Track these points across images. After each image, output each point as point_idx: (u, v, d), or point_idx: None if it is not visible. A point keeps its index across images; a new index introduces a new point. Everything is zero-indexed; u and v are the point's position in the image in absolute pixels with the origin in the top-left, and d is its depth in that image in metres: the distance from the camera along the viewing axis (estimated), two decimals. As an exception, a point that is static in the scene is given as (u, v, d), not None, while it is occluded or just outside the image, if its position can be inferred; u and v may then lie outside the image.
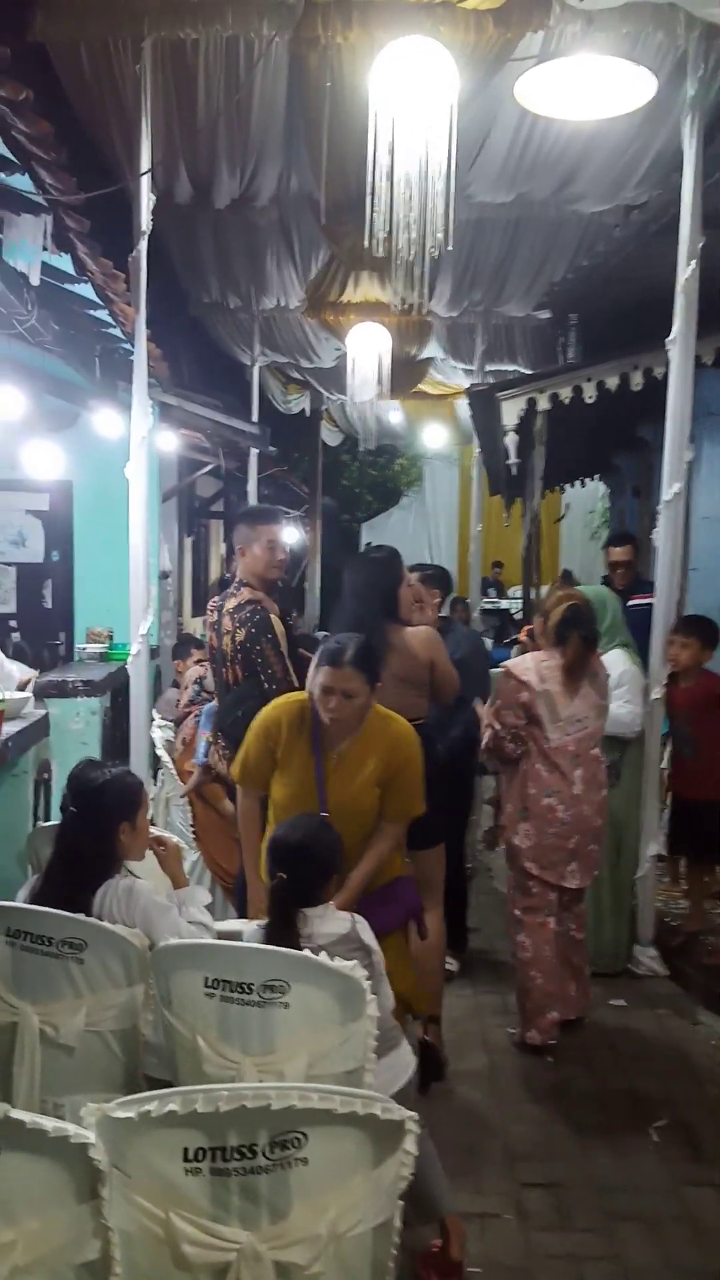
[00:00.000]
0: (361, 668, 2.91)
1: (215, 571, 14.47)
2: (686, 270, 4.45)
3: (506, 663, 3.96)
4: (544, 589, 10.16)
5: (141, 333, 5.01)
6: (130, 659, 5.00)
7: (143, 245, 4.98)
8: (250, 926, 2.58)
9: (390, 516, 17.96)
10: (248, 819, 3.19)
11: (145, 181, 4.90)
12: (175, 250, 8.00)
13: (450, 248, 4.64)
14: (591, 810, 3.81)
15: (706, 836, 4.44)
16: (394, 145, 4.54)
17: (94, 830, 2.59)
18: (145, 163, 4.91)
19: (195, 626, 12.24)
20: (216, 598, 4.23)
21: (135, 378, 5.00)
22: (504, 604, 14.76)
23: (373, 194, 4.61)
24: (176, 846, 2.88)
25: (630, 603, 5.03)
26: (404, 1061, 2.55)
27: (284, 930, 2.41)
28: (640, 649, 4.49)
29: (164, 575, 8.87)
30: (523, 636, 4.78)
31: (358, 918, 2.53)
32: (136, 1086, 2.57)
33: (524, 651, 4.14)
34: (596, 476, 12.50)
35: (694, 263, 4.45)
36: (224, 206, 6.98)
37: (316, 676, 2.93)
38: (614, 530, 12.91)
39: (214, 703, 4.59)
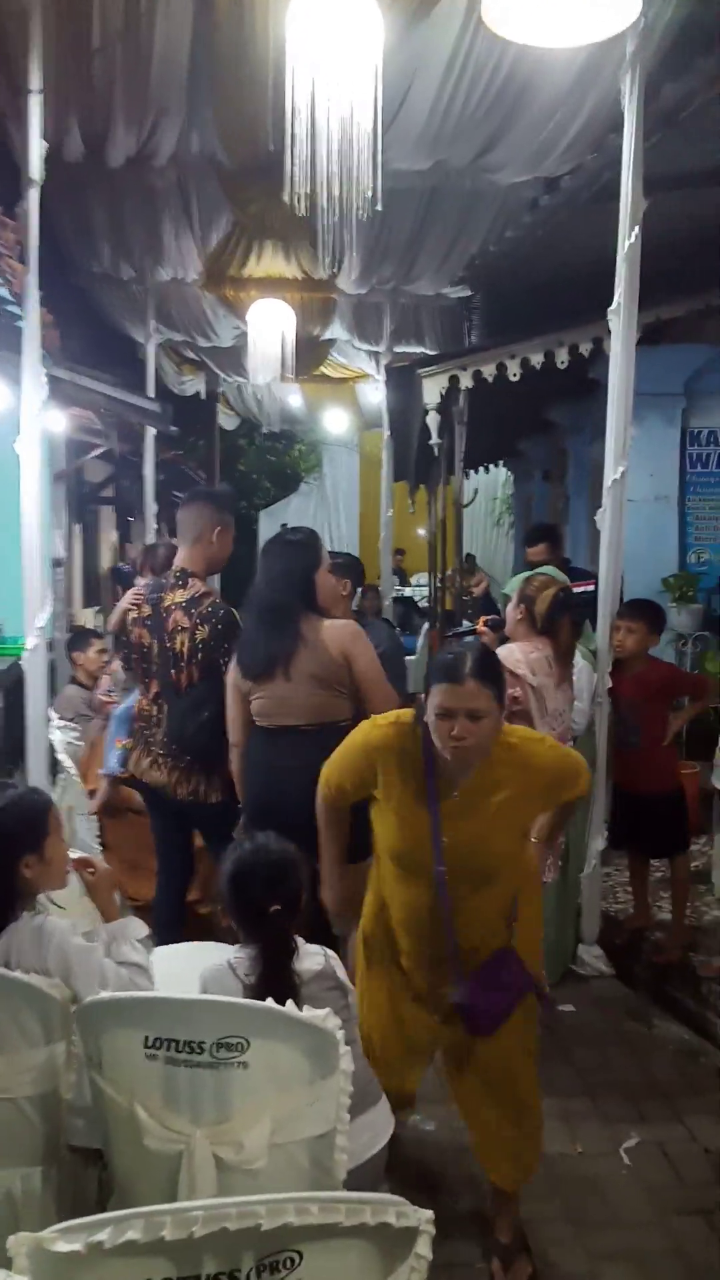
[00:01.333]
0: (487, 680, 2.34)
1: (106, 560, 13.84)
2: (629, 237, 4.21)
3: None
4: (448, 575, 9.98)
5: (33, 292, 4.52)
6: (25, 654, 4.51)
7: (34, 195, 4.50)
8: (211, 967, 2.17)
9: (289, 504, 17.54)
10: (326, 828, 2.74)
11: (35, 121, 4.39)
12: (63, 213, 7.44)
13: (379, 208, 4.30)
14: None
15: (651, 830, 4.23)
16: (314, 95, 4.17)
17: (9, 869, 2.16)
18: (35, 80, 4.39)
19: (86, 618, 11.65)
20: (142, 589, 3.79)
21: (26, 341, 4.51)
22: (407, 592, 14.57)
23: (292, 145, 4.21)
24: (107, 873, 2.46)
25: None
26: (383, 1120, 2.22)
27: (283, 972, 2.04)
28: (583, 637, 4.25)
29: (56, 563, 8.30)
30: (480, 627, 4.50)
31: (329, 952, 2.18)
32: (58, 1159, 2.19)
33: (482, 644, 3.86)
34: (500, 463, 12.40)
35: (636, 229, 4.20)
36: (118, 165, 6.48)
37: (432, 698, 2.35)
38: (518, 515, 12.85)
39: (125, 705, 4.15)
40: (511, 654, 3.57)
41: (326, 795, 2.67)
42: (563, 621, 3.64)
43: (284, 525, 3.68)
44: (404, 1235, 1.41)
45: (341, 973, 2.18)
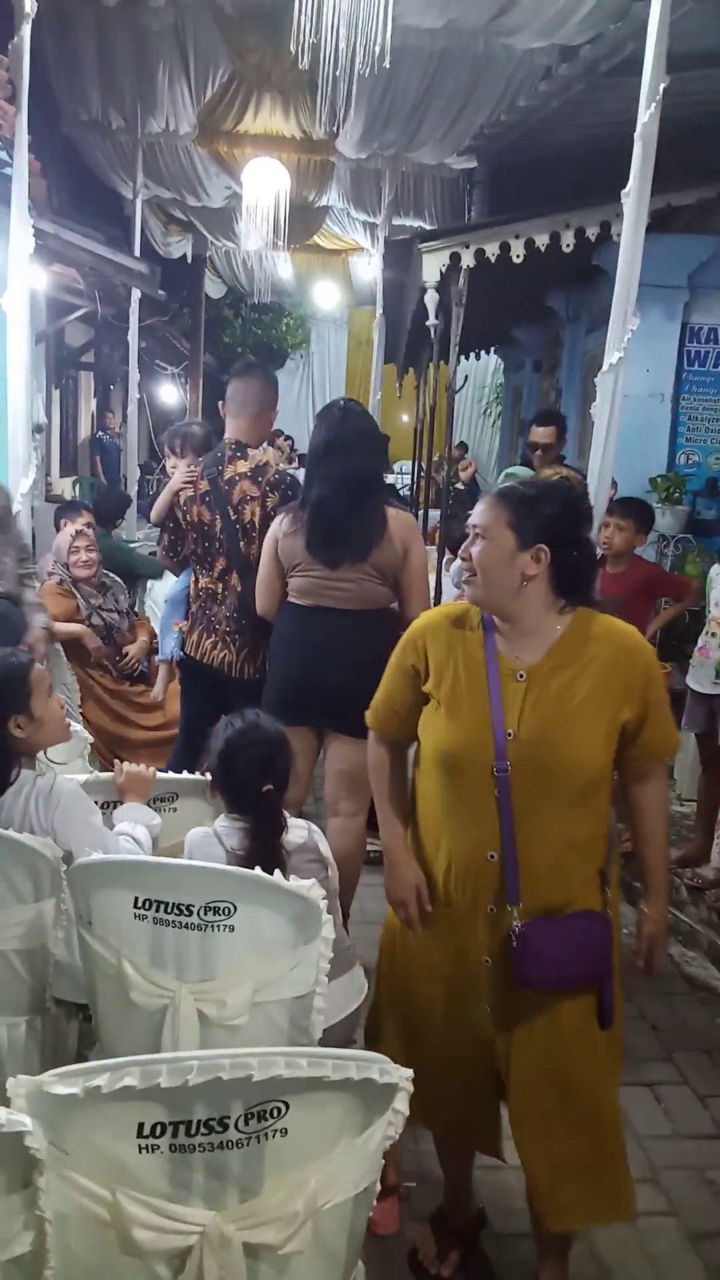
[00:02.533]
0: (505, 502, 1.93)
1: (85, 429, 13.55)
2: (646, 114, 4.02)
3: None
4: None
5: (23, 135, 4.28)
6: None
7: (26, 31, 4.22)
8: (197, 833, 2.23)
9: (273, 380, 17.16)
10: (378, 773, 2.22)
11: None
12: (51, 54, 7.03)
13: (386, 64, 4.09)
14: None
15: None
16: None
17: None
18: None
19: (64, 488, 11.45)
20: (194, 467, 3.69)
21: (15, 189, 4.29)
22: (389, 479, 14.40)
23: (301, -4, 3.98)
24: (136, 776, 2.48)
25: (556, 482, 4.76)
26: (357, 984, 2.31)
27: (272, 844, 2.10)
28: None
29: (38, 429, 8.10)
30: None
31: (313, 826, 2.23)
32: (43, 1010, 2.28)
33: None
34: (492, 349, 12.14)
35: (655, 106, 4.01)
36: (113, 3, 6.09)
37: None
38: (506, 405, 12.67)
39: (179, 587, 4.10)
40: None
41: (375, 721, 2.22)
42: None
43: (338, 399, 3.53)
44: (384, 1091, 1.48)
45: (324, 847, 2.24)
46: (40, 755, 2.44)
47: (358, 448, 3.14)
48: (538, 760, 1.90)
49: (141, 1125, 1.38)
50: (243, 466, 3.58)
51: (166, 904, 1.93)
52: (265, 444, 3.79)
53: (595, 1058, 2.03)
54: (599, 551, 4.15)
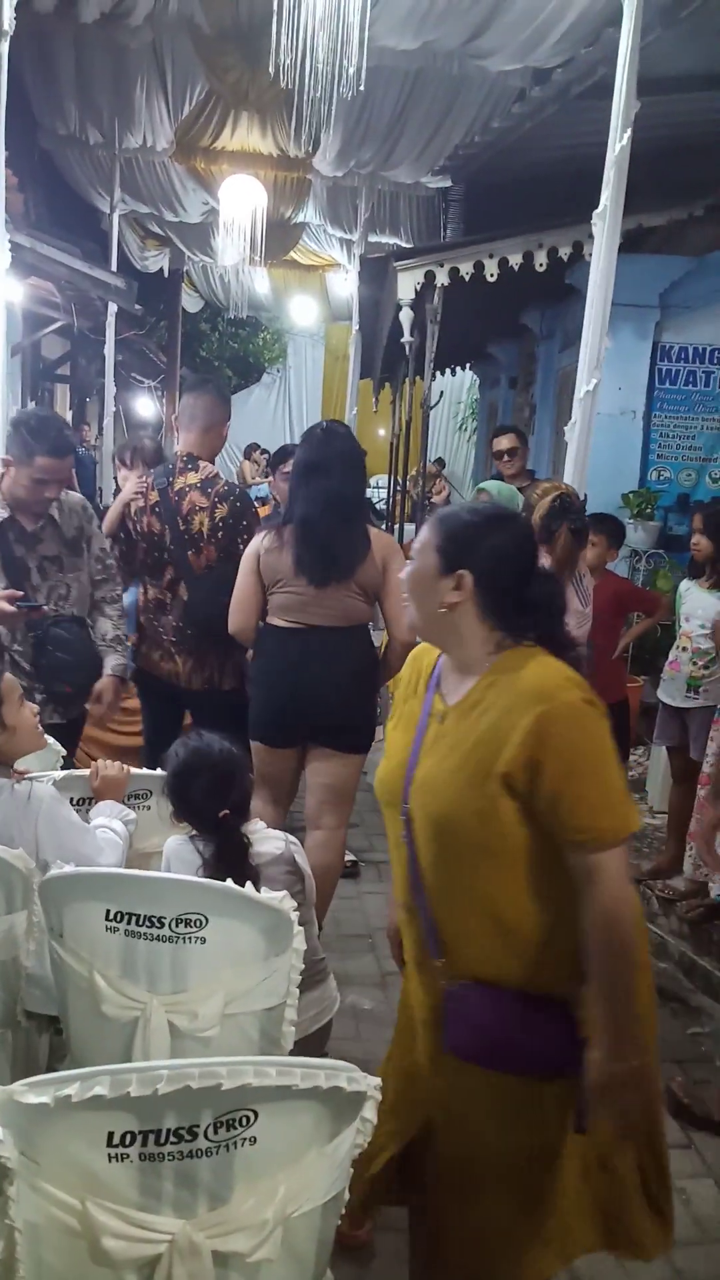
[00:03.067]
0: (437, 528, 1.80)
1: (61, 441, 13.51)
2: (620, 139, 4.10)
3: None
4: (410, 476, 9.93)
5: None
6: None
7: (3, 48, 4.25)
8: (174, 841, 2.25)
9: (250, 394, 17.18)
10: None
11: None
12: (29, 69, 7.06)
13: (361, 87, 4.15)
14: None
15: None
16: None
17: None
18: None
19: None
20: (146, 478, 3.75)
21: (-8, 204, 4.31)
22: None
23: (279, 9, 4.03)
24: (112, 780, 2.51)
25: (528, 498, 4.82)
26: (330, 996, 2.33)
27: (237, 865, 2.11)
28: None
29: (13, 440, 8.09)
30: None
31: (290, 837, 2.25)
32: (14, 1023, 2.27)
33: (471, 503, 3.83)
34: (467, 366, 12.23)
35: (628, 131, 4.10)
36: (91, 20, 6.13)
37: None
38: (482, 421, 12.76)
39: (128, 600, 4.13)
40: None
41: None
42: (560, 529, 3.42)
43: (320, 422, 3.59)
44: (352, 1099, 1.50)
45: (301, 859, 2.26)
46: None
47: (341, 469, 3.19)
48: (425, 808, 1.77)
49: (111, 1134, 1.39)
50: (193, 478, 3.65)
51: (138, 916, 1.94)
52: (240, 458, 3.87)
53: (499, 1196, 1.80)
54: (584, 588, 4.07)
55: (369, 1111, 1.53)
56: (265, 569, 3.26)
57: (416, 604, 1.82)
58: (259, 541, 3.32)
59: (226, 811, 2.19)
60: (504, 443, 5.77)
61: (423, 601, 1.80)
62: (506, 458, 5.75)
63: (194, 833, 2.24)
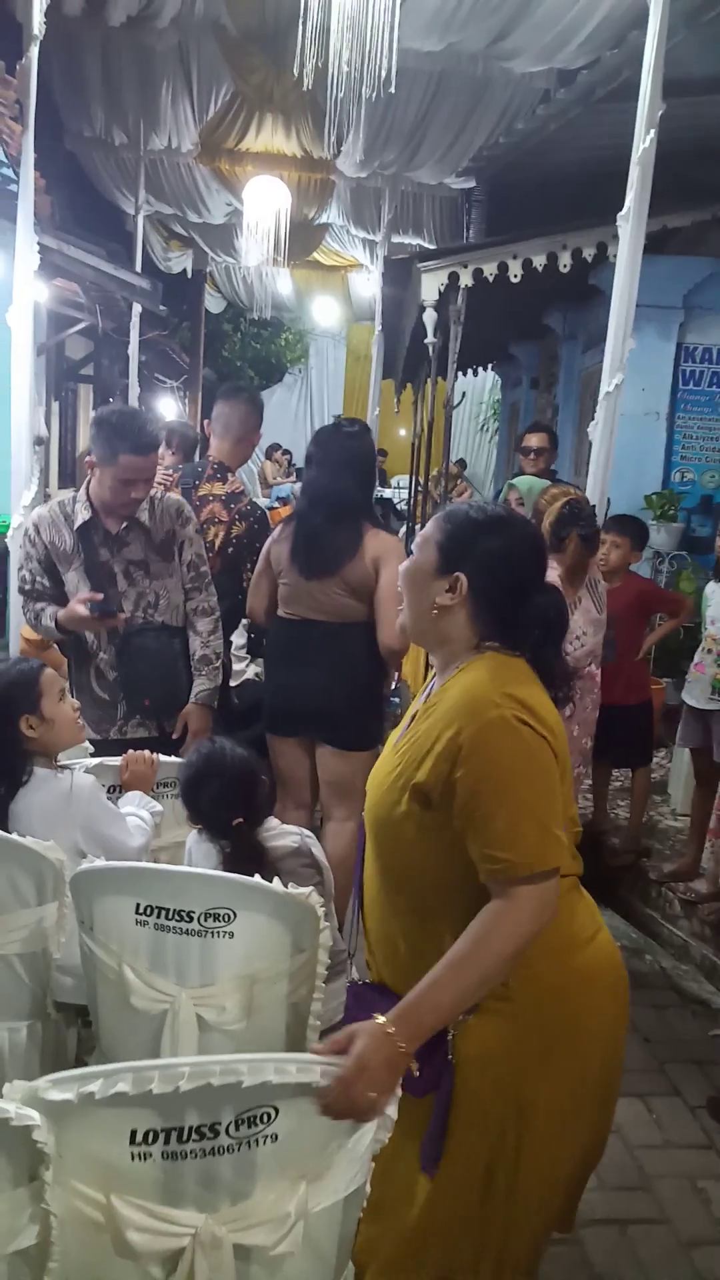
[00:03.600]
0: (446, 523, 1.73)
1: (84, 440, 13.61)
2: (645, 140, 4.10)
3: None
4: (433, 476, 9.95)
5: (29, 154, 4.36)
6: (9, 531, 4.49)
7: (34, 52, 4.29)
8: (194, 834, 2.29)
9: (273, 395, 17.21)
10: None
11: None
12: (56, 72, 7.12)
13: (392, 89, 4.17)
14: (581, 731, 3.60)
15: (621, 741, 4.36)
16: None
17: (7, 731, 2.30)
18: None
19: (63, 499, 11.49)
20: (171, 472, 3.80)
21: (20, 207, 4.36)
22: (387, 493, 14.47)
23: (305, 13, 4.05)
24: (142, 774, 2.60)
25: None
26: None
27: (251, 865, 2.13)
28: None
29: (39, 442, 8.16)
30: None
31: (306, 832, 2.27)
32: (44, 1015, 2.30)
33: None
34: (489, 366, 12.23)
35: (652, 132, 4.10)
36: (118, 24, 6.18)
37: None
38: (503, 421, 12.75)
39: None
40: None
41: None
42: (570, 535, 3.41)
43: (336, 418, 3.68)
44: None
45: (318, 852, 2.28)
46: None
47: (335, 467, 3.24)
48: (367, 808, 1.77)
49: (134, 1132, 1.40)
50: (219, 489, 3.68)
51: (168, 910, 1.97)
52: (261, 458, 3.91)
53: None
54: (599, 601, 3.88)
55: (390, 1108, 1.55)
56: (273, 558, 3.38)
57: (409, 598, 1.75)
58: (276, 531, 3.43)
59: (240, 819, 2.22)
60: (534, 440, 5.74)
61: (416, 597, 1.73)
62: (534, 455, 5.73)
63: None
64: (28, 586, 3.21)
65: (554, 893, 1.57)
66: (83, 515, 3.11)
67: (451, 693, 1.65)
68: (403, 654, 3.43)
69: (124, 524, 3.11)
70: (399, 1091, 1.52)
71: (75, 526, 3.11)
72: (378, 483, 13.57)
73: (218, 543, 3.64)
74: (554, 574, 3.37)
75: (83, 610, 3.03)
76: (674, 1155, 2.79)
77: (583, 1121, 1.76)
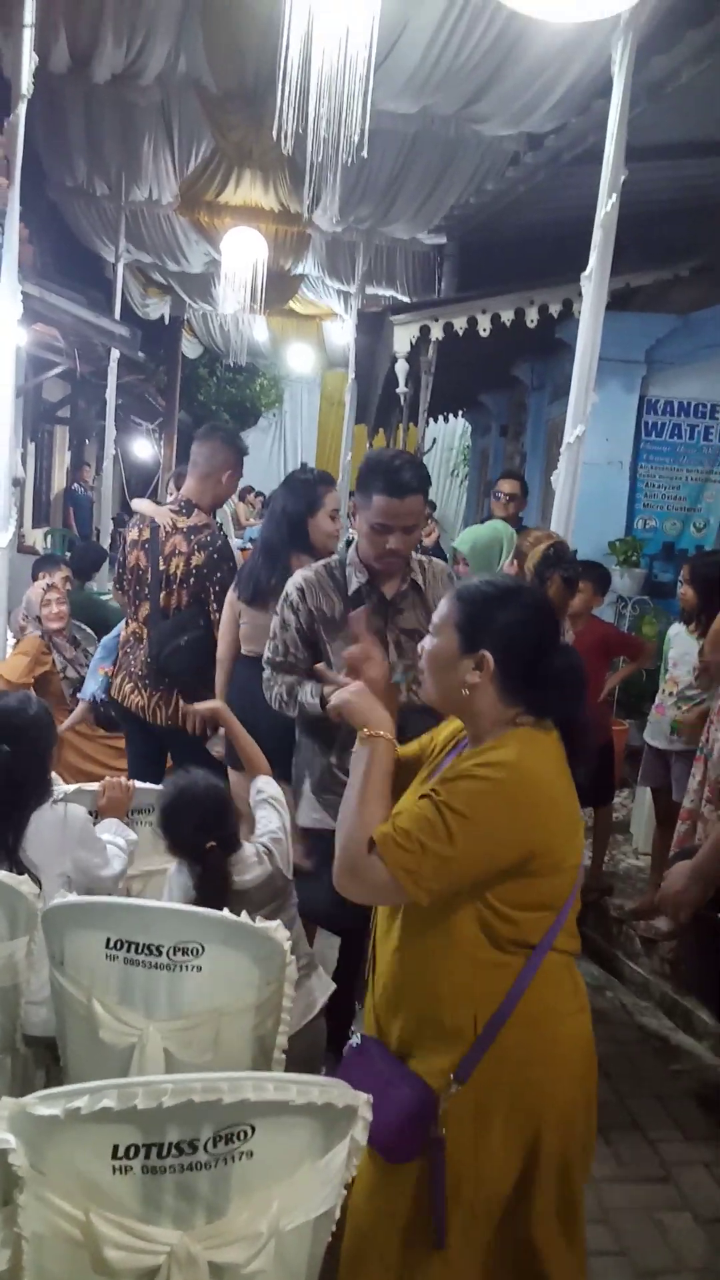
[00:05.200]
0: (454, 602, 1.81)
1: (59, 481, 13.70)
2: (607, 204, 4.28)
3: None
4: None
5: (14, 208, 4.49)
6: (-13, 571, 4.55)
7: (21, 110, 4.44)
8: (174, 867, 2.36)
9: (247, 438, 17.19)
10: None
11: (28, 37, 4.33)
12: (41, 124, 7.29)
13: (364, 153, 4.34)
14: None
15: (587, 782, 4.44)
16: (310, 32, 4.17)
17: (35, 762, 2.44)
18: (29, 15, 4.33)
19: (35, 539, 11.56)
20: (152, 512, 3.88)
21: (5, 257, 4.47)
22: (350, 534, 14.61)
23: (283, 82, 4.22)
24: (117, 800, 2.71)
25: (519, 546, 4.95)
26: (319, 987, 2.45)
27: (222, 895, 2.21)
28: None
29: (16, 483, 8.23)
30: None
31: (264, 846, 2.39)
32: (12, 1049, 2.34)
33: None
34: (460, 413, 12.46)
35: (615, 196, 4.28)
36: (103, 81, 6.37)
37: None
38: (473, 467, 12.98)
39: (113, 634, 4.26)
40: None
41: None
42: (552, 577, 3.52)
43: (303, 464, 3.80)
44: (345, 1114, 1.58)
45: (280, 860, 2.39)
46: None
47: (277, 513, 3.48)
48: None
49: (116, 1147, 1.47)
50: (183, 522, 3.77)
51: (137, 944, 2.02)
52: (234, 500, 4.00)
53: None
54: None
55: (359, 1133, 1.61)
56: (230, 599, 3.54)
57: (436, 680, 1.80)
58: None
59: (213, 844, 2.30)
60: (506, 486, 5.86)
61: (443, 679, 1.79)
62: (505, 499, 5.86)
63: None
64: (279, 658, 2.89)
65: (376, 878, 1.66)
66: (357, 579, 2.82)
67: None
68: None
69: (402, 586, 2.85)
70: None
71: (349, 591, 2.81)
72: (349, 525, 13.71)
73: (179, 574, 3.72)
74: None
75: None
76: (633, 1189, 2.84)
77: (543, 1194, 1.77)
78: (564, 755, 1.76)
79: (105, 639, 4.48)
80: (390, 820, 1.69)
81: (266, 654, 2.94)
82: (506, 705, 1.75)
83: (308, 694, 2.77)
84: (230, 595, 3.57)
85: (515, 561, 3.71)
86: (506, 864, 1.66)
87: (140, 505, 4.04)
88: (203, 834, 2.31)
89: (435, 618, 1.84)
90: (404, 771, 1.93)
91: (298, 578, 2.90)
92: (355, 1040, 1.87)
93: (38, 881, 2.31)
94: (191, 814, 2.34)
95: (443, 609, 1.82)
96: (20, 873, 2.30)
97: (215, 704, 3.00)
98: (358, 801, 1.72)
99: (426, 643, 1.84)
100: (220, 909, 2.06)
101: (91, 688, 4.42)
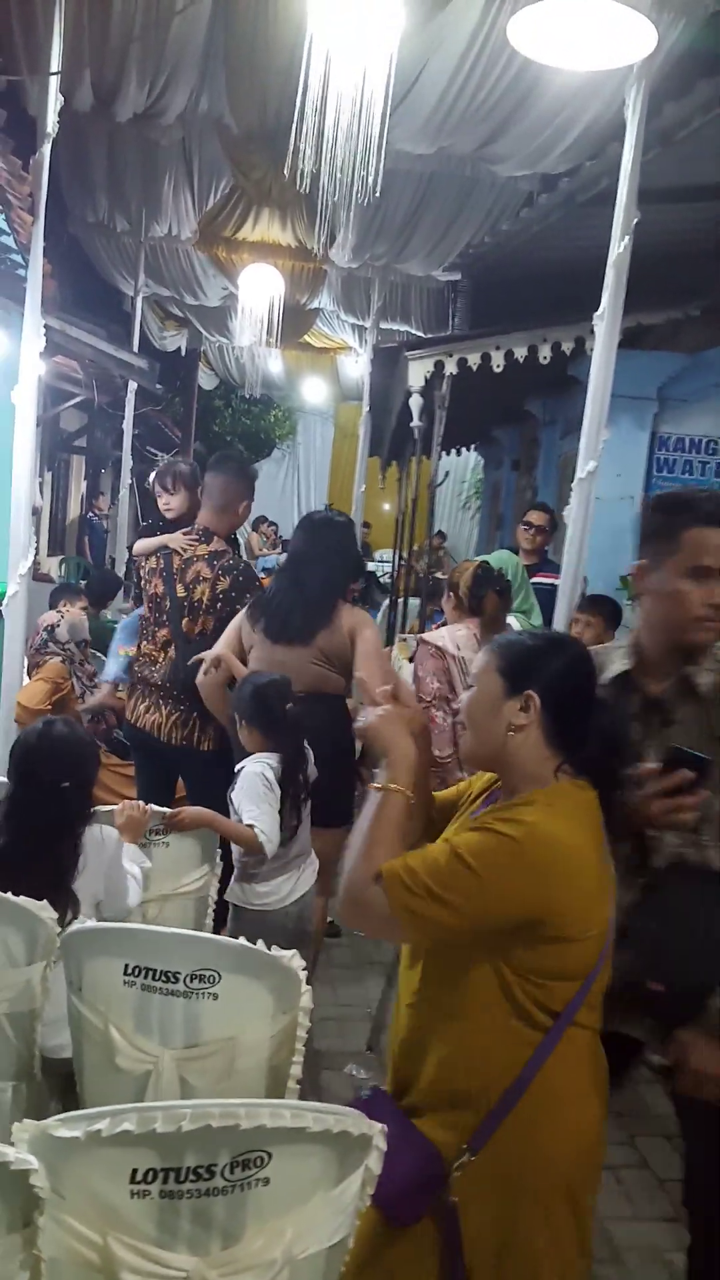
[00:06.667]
0: (500, 654, 1.78)
1: (74, 510, 13.82)
2: (619, 245, 4.36)
3: (422, 635, 3.85)
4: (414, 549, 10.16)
5: (38, 244, 4.57)
6: (6, 600, 4.60)
7: (46, 149, 4.54)
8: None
9: (261, 469, 17.45)
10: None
11: (54, 80, 4.45)
12: (64, 161, 7.44)
13: (378, 194, 4.43)
14: None
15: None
16: (328, 74, 4.26)
17: (87, 791, 2.53)
18: (55, 62, 4.45)
19: (50, 567, 11.66)
20: (158, 542, 3.94)
21: (29, 293, 4.55)
22: (370, 566, 14.69)
23: (300, 124, 4.31)
24: (136, 820, 2.78)
25: (533, 580, 4.99)
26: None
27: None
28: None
29: (35, 511, 8.32)
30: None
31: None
32: (29, 1076, 2.35)
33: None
34: (473, 447, 12.56)
35: (627, 238, 4.36)
36: (125, 120, 6.51)
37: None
38: (485, 500, 13.07)
39: (133, 615, 4.33)
40: (436, 633, 3.75)
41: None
42: (486, 595, 3.66)
43: (326, 507, 3.88)
44: (359, 1142, 1.60)
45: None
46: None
47: (332, 553, 3.49)
48: None
49: (135, 1171, 1.49)
50: (203, 549, 3.83)
51: (154, 971, 2.05)
52: (248, 530, 4.07)
53: None
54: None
55: (373, 1162, 1.63)
56: (244, 629, 3.52)
57: (478, 730, 1.78)
58: (244, 611, 3.58)
59: (67, 783, 2.46)
60: (535, 518, 5.85)
61: (486, 726, 1.75)
62: (534, 531, 5.83)
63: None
64: None
65: (377, 910, 1.66)
66: (619, 664, 2.08)
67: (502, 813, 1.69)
68: None
69: (675, 684, 2.01)
70: None
71: (605, 678, 2.04)
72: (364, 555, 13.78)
73: (205, 600, 3.76)
74: (471, 631, 3.60)
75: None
76: (643, 1228, 2.84)
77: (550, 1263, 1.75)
78: (599, 819, 1.73)
79: (125, 620, 4.53)
80: (404, 857, 1.68)
81: None
82: (552, 752, 1.73)
83: None
84: (243, 626, 3.55)
85: (450, 593, 3.79)
86: (510, 924, 1.63)
87: (142, 547, 4.08)
88: (57, 770, 2.43)
89: (473, 669, 1.84)
90: (441, 815, 1.94)
91: None
92: (365, 1092, 1.86)
93: (77, 906, 2.38)
94: (46, 749, 2.46)
95: (481, 659, 1.81)
96: (69, 901, 2.38)
97: (201, 812, 3.00)
98: (366, 844, 1.72)
99: (464, 696, 1.83)
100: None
101: (113, 669, 4.48)
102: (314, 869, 3.18)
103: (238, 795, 2.95)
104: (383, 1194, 1.64)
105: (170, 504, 4.14)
